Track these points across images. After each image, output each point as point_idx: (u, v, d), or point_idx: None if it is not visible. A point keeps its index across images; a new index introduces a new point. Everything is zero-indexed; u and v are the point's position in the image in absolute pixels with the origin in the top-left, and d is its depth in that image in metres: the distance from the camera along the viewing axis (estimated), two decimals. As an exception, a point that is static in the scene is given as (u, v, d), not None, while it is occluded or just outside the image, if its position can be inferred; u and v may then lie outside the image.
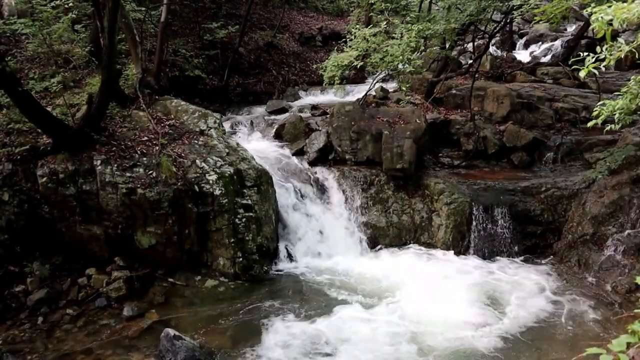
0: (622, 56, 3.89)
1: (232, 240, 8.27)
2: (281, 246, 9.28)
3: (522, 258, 9.21)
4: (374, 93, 13.15)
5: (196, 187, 8.23)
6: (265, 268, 8.65)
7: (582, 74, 3.81)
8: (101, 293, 7.63)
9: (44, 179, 7.86)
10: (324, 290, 8.14)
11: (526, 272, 8.64)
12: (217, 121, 9.88)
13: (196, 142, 9.20)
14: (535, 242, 9.47)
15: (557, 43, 17.66)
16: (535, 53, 18.04)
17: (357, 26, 10.68)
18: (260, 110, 13.93)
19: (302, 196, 9.93)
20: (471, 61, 13.11)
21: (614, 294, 7.71)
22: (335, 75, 10.03)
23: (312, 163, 10.58)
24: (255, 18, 18.73)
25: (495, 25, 12.81)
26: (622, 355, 2.37)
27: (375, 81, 12.42)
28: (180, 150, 8.78)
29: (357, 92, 14.37)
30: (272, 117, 12.90)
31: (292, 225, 9.54)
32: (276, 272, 8.76)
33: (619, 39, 4.03)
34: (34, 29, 8.86)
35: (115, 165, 8.06)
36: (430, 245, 9.57)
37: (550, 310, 7.43)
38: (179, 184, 8.10)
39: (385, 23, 10.31)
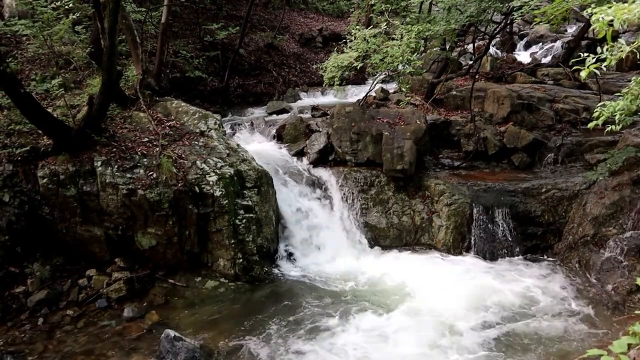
0: (623, 57, 3.89)
1: (233, 241, 8.27)
2: (281, 247, 9.28)
3: (522, 259, 9.20)
4: (374, 94, 13.16)
5: (196, 188, 8.23)
6: (266, 269, 8.65)
7: (582, 74, 3.80)
8: (102, 294, 7.64)
9: (45, 180, 7.87)
10: (323, 291, 8.13)
11: (527, 273, 8.62)
12: (218, 122, 9.89)
13: (196, 143, 9.20)
14: (535, 243, 9.46)
15: (558, 44, 17.67)
16: (535, 54, 18.05)
17: (357, 27, 10.68)
18: (260, 111, 13.95)
19: (302, 197, 9.93)
20: (471, 62, 13.12)
21: (615, 295, 7.70)
22: (335, 76, 10.04)
23: (313, 164, 10.58)
24: (256, 19, 18.76)
25: (495, 26, 12.82)
26: (623, 356, 2.37)
27: (375, 82, 12.42)
28: (181, 151, 8.79)
29: (357, 93, 14.40)
30: (273, 118, 12.91)
31: (292, 226, 9.54)
32: (276, 273, 8.76)
33: (620, 40, 4.03)
34: (35, 31, 8.87)
35: (116, 166, 8.07)
36: (430, 246, 9.57)
37: (551, 311, 7.42)
38: (180, 185, 8.10)
39: (385, 24, 10.30)
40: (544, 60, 16.72)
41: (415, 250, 9.52)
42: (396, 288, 8.13)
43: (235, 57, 15.04)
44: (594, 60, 3.69)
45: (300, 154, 10.91)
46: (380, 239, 9.69)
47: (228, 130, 11.27)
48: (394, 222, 9.74)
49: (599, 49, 3.81)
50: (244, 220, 8.45)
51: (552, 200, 9.53)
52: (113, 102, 9.02)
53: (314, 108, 12.96)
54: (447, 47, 13.66)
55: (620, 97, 5.60)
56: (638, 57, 3.82)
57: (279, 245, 9.26)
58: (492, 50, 17.02)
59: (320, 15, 22.25)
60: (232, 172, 8.68)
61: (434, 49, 14.94)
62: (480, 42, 15.08)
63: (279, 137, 11.59)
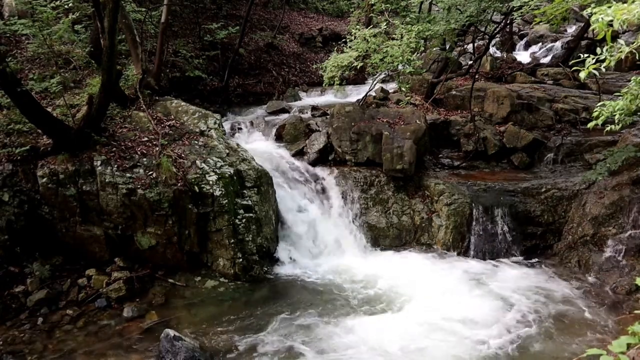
0: (623, 57, 3.89)
1: (232, 240, 8.27)
2: (281, 247, 9.28)
3: (522, 259, 9.20)
4: (374, 94, 13.17)
5: (196, 188, 8.23)
6: (265, 269, 8.65)
7: (582, 75, 3.81)
8: (101, 294, 7.64)
9: (44, 179, 7.87)
10: (322, 291, 8.13)
11: (526, 273, 8.63)
12: (217, 122, 9.89)
13: (196, 142, 9.20)
14: (535, 243, 9.46)
15: (557, 44, 17.68)
16: (535, 54, 18.05)
17: (357, 27, 10.68)
18: (260, 111, 13.93)
19: (302, 197, 9.93)
20: (471, 62, 13.12)
21: (614, 295, 7.71)
22: (335, 75, 10.04)
23: (312, 164, 10.58)
24: (256, 19, 18.74)
25: (495, 26, 12.82)
26: (623, 356, 2.37)
27: (375, 82, 12.43)
28: (181, 150, 8.79)
29: (357, 93, 14.39)
30: (272, 117, 12.90)
31: (292, 226, 9.53)
32: (276, 273, 8.76)
33: (619, 40, 4.03)
34: (34, 30, 8.86)
35: (116, 166, 8.07)
36: (430, 246, 9.57)
37: (551, 311, 7.42)
38: (179, 184, 8.10)
39: (385, 24, 10.30)
40: (544, 60, 16.72)
41: (415, 249, 9.51)
42: (395, 290, 8.10)
43: (235, 56, 15.02)
44: (594, 61, 3.69)
45: (300, 154, 10.91)
46: (380, 238, 9.69)
47: (228, 130, 11.26)
48: (393, 221, 9.74)
49: (598, 50, 3.82)
50: (243, 220, 8.45)
51: (552, 200, 9.54)
52: (113, 102, 9.02)
53: (314, 108, 12.96)
54: (447, 47, 13.66)
55: (620, 97, 5.61)
56: (637, 57, 3.82)
57: (278, 245, 9.26)
58: (492, 50, 17.01)
59: (320, 15, 22.23)
60: (231, 171, 8.68)
61: (434, 49, 14.93)
62: (480, 42, 15.08)
63: (279, 137, 11.59)
